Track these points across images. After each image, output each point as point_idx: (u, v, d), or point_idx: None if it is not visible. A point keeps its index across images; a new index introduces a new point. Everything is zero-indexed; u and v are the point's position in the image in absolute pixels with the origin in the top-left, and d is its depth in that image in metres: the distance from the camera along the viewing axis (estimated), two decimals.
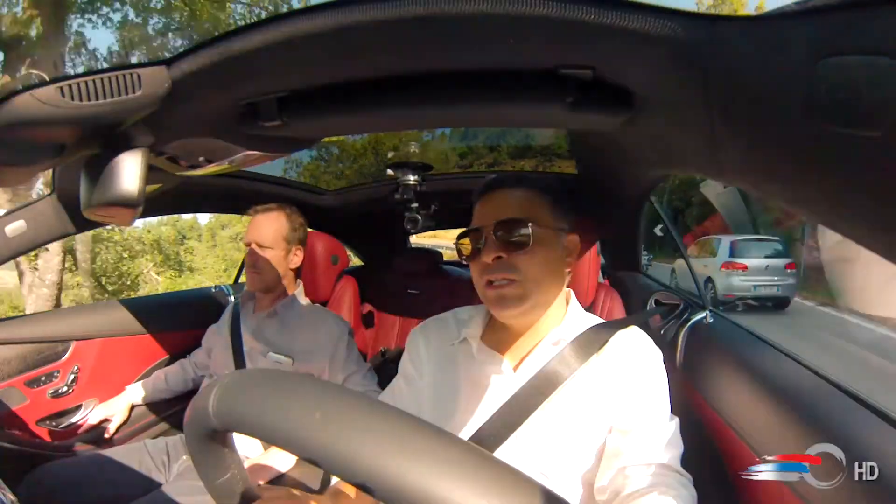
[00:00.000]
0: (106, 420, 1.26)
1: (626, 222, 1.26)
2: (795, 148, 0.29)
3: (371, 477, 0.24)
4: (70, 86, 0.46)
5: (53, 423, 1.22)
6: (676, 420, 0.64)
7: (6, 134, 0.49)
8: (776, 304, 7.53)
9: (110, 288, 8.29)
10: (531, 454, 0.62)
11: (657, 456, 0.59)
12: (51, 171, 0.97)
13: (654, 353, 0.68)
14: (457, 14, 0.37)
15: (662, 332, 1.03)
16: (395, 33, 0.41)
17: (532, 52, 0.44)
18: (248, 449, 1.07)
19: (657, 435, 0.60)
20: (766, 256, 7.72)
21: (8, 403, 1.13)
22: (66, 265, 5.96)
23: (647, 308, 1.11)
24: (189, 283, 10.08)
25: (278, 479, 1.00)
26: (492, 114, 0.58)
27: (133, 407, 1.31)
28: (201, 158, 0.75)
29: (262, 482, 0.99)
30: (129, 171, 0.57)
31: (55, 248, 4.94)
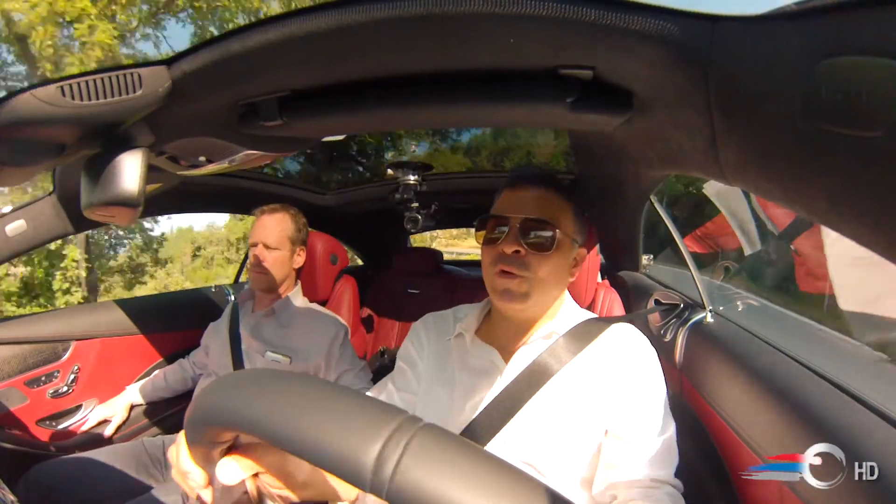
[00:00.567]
0: (105, 420, 1.26)
1: (626, 222, 1.26)
2: (796, 148, 0.29)
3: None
4: (71, 85, 0.46)
5: (53, 423, 1.22)
6: (672, 423, 0.64)
7: (7, 133, 0.49)
8: None
9: None
10: (523, 445, 0.63)
11: (649, 468, 0.59)
12: (51, 170, 0.97)
13: (648, 351, 0.68)
14: (457, 14, 0.37)
15: (662, 331, 1.03)
16: (396, 33, 0.41)
17: (532, 52, 0.44)
18: None
19: (651, 444, 0.61)
20: None
21: (8, 403, 1.13)
22: None
23: (647, 308, 1.11)
24: None
25: None
26: (492, 114, 0.58)
27: (132, 407, 1.31)
28: (201, 158, 0.75)
29: None
30: (130, 170, 0.57)
31: None
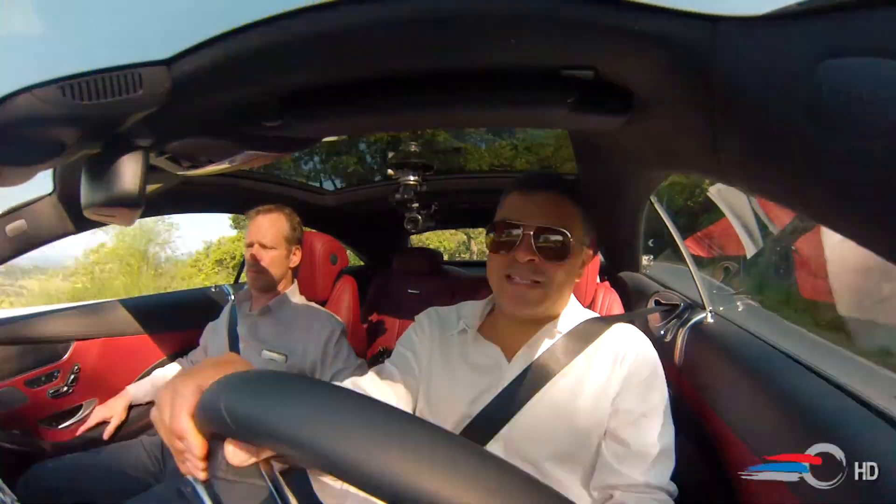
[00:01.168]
0: (105, 421, 1.26)
1: (626, 222, 1.26)
2: (796, 149, 0.29)
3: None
4: (71, 85, 0.46)
5: (53, 423, 1.22)
6: (671, 427, 0.63)
7: (7, 133, 0.49)
8: None
9: None
10: (524, 444, 0.63)
11: (646, 473, 0.59)
12: (51, 170, 0.97)
13: (650, 353, 0.68)
14: (458, 14, 0.37)
15: (662, 332, 1.03)
16: (397, 33, 0.41)
17: (533, 53, 0.44)
18: None
19: (649, 448, 0.60)
20: None
21: (8, 403, 1.13)
22: None
23: (648, 308, 1.11)
24: None
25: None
26: (493, 114, 0.58)
27: (132, 407, 1.31)
28: (202, 158, 0.75)
29: None
30: (130, 170, 0.57)
31: None
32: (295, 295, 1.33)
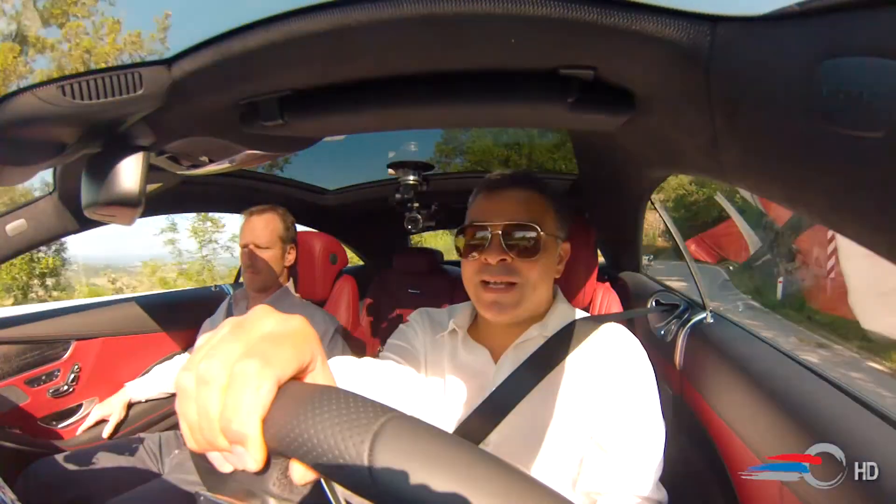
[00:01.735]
0: (104, 419, 1.26)
1: (627, 222, 1.26)
2: (797, 149, 0.29)
3: None
4: (71, 85, 0.46)
5: (54, 422, 1.22)
6: (660, 433, 0.61)
7: (8, 132, 0.49)
8: None
9: None
10: (513, 449, 0.62)
11: (633, 483, 0.57)
12: (52, 170, 0.97)
13: (638, 356, 0.65)
14: (458, 14, 0.37)
15: (662, 332, 1.03)
16: (397, 33, 0.41)
17: (533, 53, 0.44)
18: None
19: (636, 456, 0.58)
20: None
21: (8, 402, 1.13)
22: None
23: (647, 308, 1.11)
24: None
25: None
26: (493, 114, 0.58)
27: (131, 405, 1.32)
28: (202, 158, 0.75)
29: None
30: (130, 170, 0.57)
31: None
32: (290, 293, 1.33)
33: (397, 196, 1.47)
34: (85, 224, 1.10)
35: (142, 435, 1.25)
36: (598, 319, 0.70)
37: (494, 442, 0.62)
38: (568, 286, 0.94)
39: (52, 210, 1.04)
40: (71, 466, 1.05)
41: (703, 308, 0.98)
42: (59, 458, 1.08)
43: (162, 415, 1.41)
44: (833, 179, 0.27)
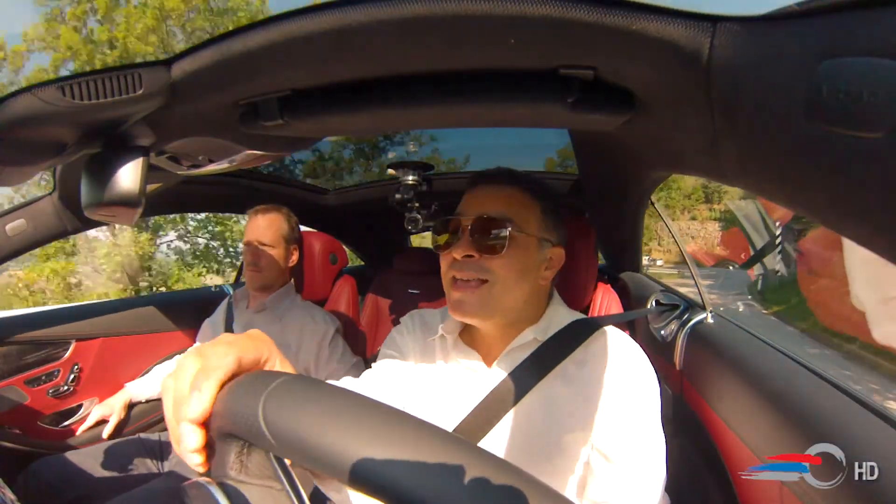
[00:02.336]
0: (104, 419, 1.26)
1: (627, 223, 1.26)
2: (797, 149, 0.29)
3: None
4: (71, 85, 0.46)
5: (53, 422, 1.22)
6: (662, 440, 0.59)
7: (7, 133, 0.49)
8: None
9: None
10: (508, 453, 0.60)
11: (637, 492, 0.55)
12: (52, 169, 0.97)
13: (639, 362, 0.62)
14: (458, 14, 0.37)
15: (662, 332, 1.03)
16: (397, 33, 0.41)
17: (533, 53, 0.44)
18: None
19: (639, 464, 0.56)
20: None
21: (8, 402, 1.13)
22: None
23: (647, 308, 1.11)
24: None
25: None
26: (492, 113, 0.58)
27: (131, 405, 1.32)
28: (202, 158, 0.75)
29: None
30: (130, 170, 0.57)
31: None
32: (291, 293, 1.34)
33: (397, 196, 1.47)
34: (85, 224, 1.10)
35: (142, 435, 1.25)
36: (598, 322, 0.67)
37: (487, 445, 0.60)
38: (567, 287, 0.94)
39: (52, 210, 1.04)
40: (71, 466, 1.05)
41: (703, 308, 0.98)
42: (59, 457, 1.08)
43: (161, 414, 1.41)
44: (833, 179, 0.27)
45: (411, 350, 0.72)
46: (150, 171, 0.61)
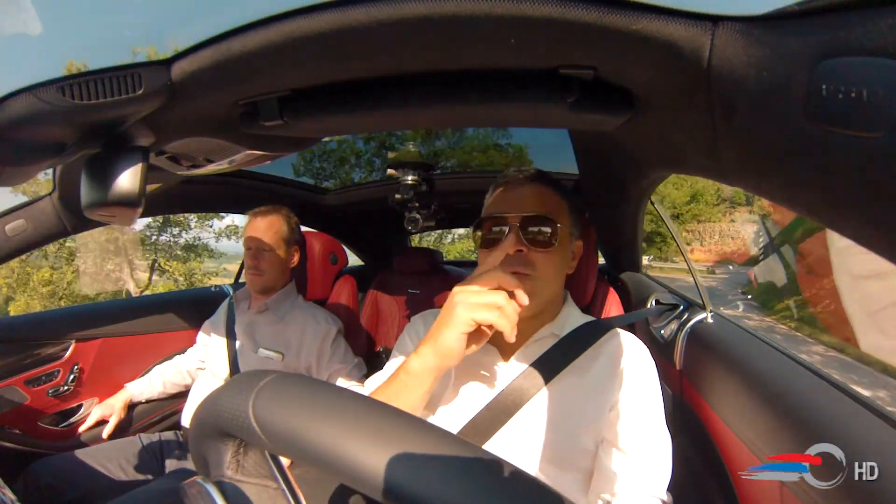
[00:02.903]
0: (104, 419, 1.26)
1: (627, 222, 1.26)
2: (796, 149, 0.29)
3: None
4: (71, 85, 0.46)
5: (53, 422, 1.22)
6: (668, 435, 0.62)
7: (7, 133, 0.49)
8: None
9: None
10: (521, 448, 0.62)
11: (644, 482, 0.58)
12: (51, 170, 0.97)
13: (647, 361, 0.67)
14: (458, 14, 0.37)
15: (662, 332, 1.03)
16: (397, 33, 0.41)
17: (533, 53, 0.44)
18: None
19: (646, 456, 0.59)
20: None
21: (8, 402, 1.13)
22: None
23: (647, 308, 1.11)
24: None
25: None
26: (493, 113, 0.58)
27: (131, 405, 1.32)
28: (202, 158, 0.75)
29: None
30: (130, 170, 0.57)
31: None
32: (292, 294, 1.34)
33: (397, 196, 1.47)
34: (85, 224, 1.10)
35: (142, 435, 1.25)
36: (609, 323, 0.72)
37: (501, 440, 0.63)
38: (568, 286, 0.94)
39: (52, 210, 1.04)
40: (71, 466, 1.05)
41: (703, 308, 0.98)
42: (59, 458, 1.08)
43: (162, 415, 1.41)
44: (832, 179, 0.27)
45: None
46: (149, 171, 0.60)
